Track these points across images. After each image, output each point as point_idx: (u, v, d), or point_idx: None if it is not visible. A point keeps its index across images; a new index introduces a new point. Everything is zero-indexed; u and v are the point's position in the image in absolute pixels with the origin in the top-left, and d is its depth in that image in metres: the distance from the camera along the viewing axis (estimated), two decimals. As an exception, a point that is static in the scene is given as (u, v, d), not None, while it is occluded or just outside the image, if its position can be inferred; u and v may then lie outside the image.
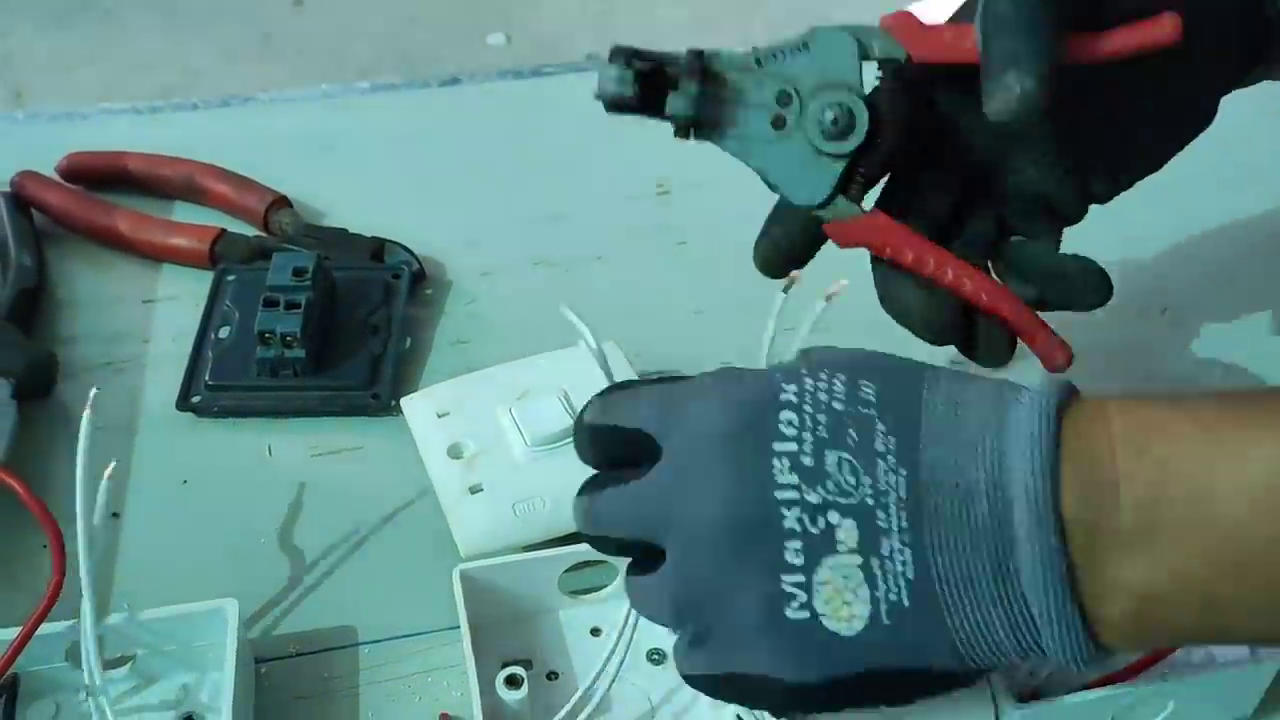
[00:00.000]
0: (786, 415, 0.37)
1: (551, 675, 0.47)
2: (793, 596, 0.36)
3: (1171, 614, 0.36)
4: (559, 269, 0.66)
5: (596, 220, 0.69)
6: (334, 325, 0.60)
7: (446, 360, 0.61)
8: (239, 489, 0.55)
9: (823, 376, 0.38)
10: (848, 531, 0.36)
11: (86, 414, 0.44)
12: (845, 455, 0.37)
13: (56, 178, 0.68)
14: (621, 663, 0.45)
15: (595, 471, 0.41)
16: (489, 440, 0.52)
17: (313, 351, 0.58)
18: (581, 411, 0.41)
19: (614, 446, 0.40)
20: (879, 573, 0.36)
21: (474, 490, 0.51)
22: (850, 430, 0.37)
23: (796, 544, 0.36)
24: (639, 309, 0.62)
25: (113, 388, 0.58)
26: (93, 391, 0.44)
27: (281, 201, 0.66)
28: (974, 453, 0.36)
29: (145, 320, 0.62)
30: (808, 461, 0.37)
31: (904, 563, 0.36)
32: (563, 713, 0.44)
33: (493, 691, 0.44)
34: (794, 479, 0.36)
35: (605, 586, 0.49)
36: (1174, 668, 0.44)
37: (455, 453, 0.52)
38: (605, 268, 0.66)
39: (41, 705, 0.46)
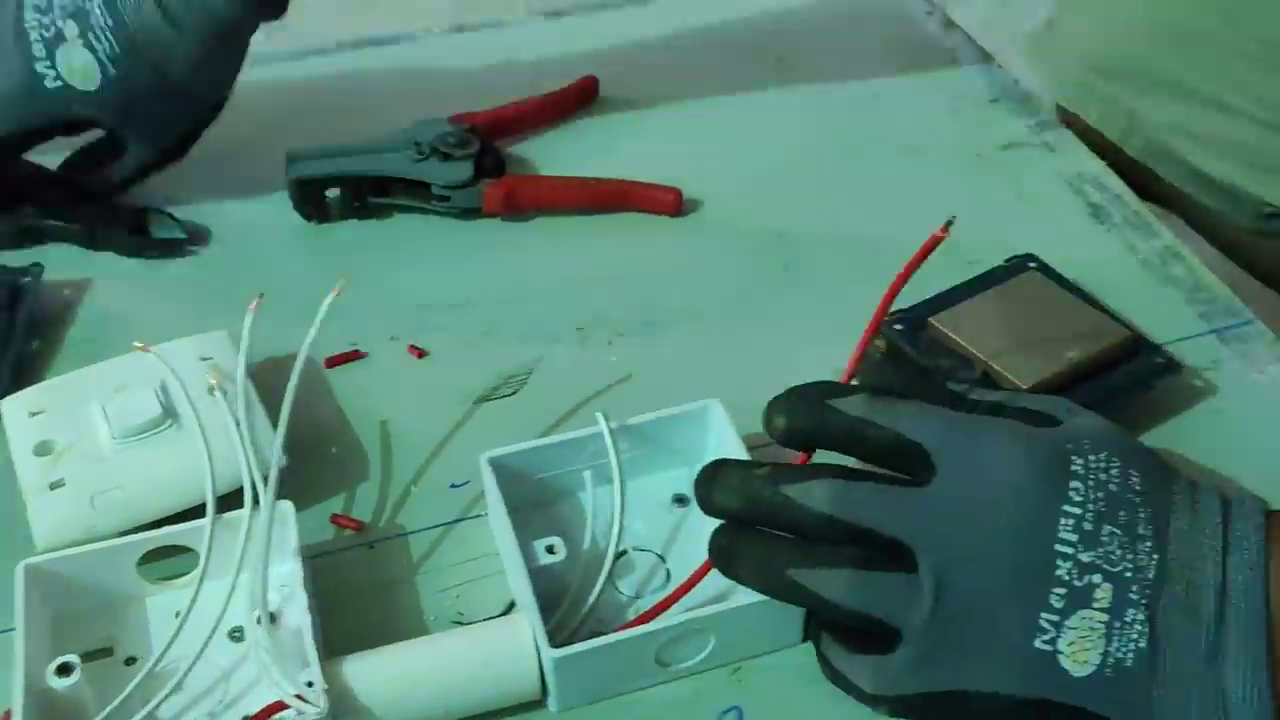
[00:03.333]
0: (1075, 484, 0.43)
1: (129, 660, 0.48)
2: (1045, 631, 0.42)
3: None
4: (199, 259, 0.67)
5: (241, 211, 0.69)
6: (-51, 331, 0.60)
7: (75, 362, 0.61)
8: None
9: (1100, 457, 0.44)
10: (1104, 592, 0.42)
11: None
12: (1116, 530, 0.43)
13: None
14: (206, 643, 0.46)
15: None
16: (78, 436, 0.53)
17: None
18: (838, 401, 0.45)
19: (886, 452, 0.45)
20: (1117, 634, 0.42)
21: (55, 486, 0.51)
22: (1121, 511, 0.43)
23: (1061, 590, 0.42)
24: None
25: None
26: None
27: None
28: (1206, 551, 0.43)
29: None
30: (1088, 527, 0.43)
31: (1140, 632, 0.42)
32: (123, 694, 0.45)
33: (41, 680, 0.45)
34: (1074, 537, 0.43)
35: (187, 573, 0.49)
36: (709, 605, 0.47)
37: (42, 450, 0.52)
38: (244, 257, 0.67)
39: None
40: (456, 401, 0.59)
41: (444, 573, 0.52)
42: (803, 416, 0.45)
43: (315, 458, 0.56)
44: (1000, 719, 0.43)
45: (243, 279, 0.62)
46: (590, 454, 0.52)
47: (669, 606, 0.47)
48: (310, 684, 0.44)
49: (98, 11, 0.60)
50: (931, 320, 0.58)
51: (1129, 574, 0.43)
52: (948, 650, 0.43)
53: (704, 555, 0.46)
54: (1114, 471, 0.44)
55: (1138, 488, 0.44)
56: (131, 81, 0.62)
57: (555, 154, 0.73)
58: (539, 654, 0.45)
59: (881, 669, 0.44)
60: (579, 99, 0.76)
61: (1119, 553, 0.43)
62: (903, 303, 0.54)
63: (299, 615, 0.46)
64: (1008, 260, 0.62)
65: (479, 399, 0.59)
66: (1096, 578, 0.42)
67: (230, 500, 0.50)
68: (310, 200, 0.68)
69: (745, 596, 0.47)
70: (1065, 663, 0.42)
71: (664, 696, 0.48)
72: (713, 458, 0.48)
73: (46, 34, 0.60)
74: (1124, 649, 0.42)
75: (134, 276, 0.66)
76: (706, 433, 0.53)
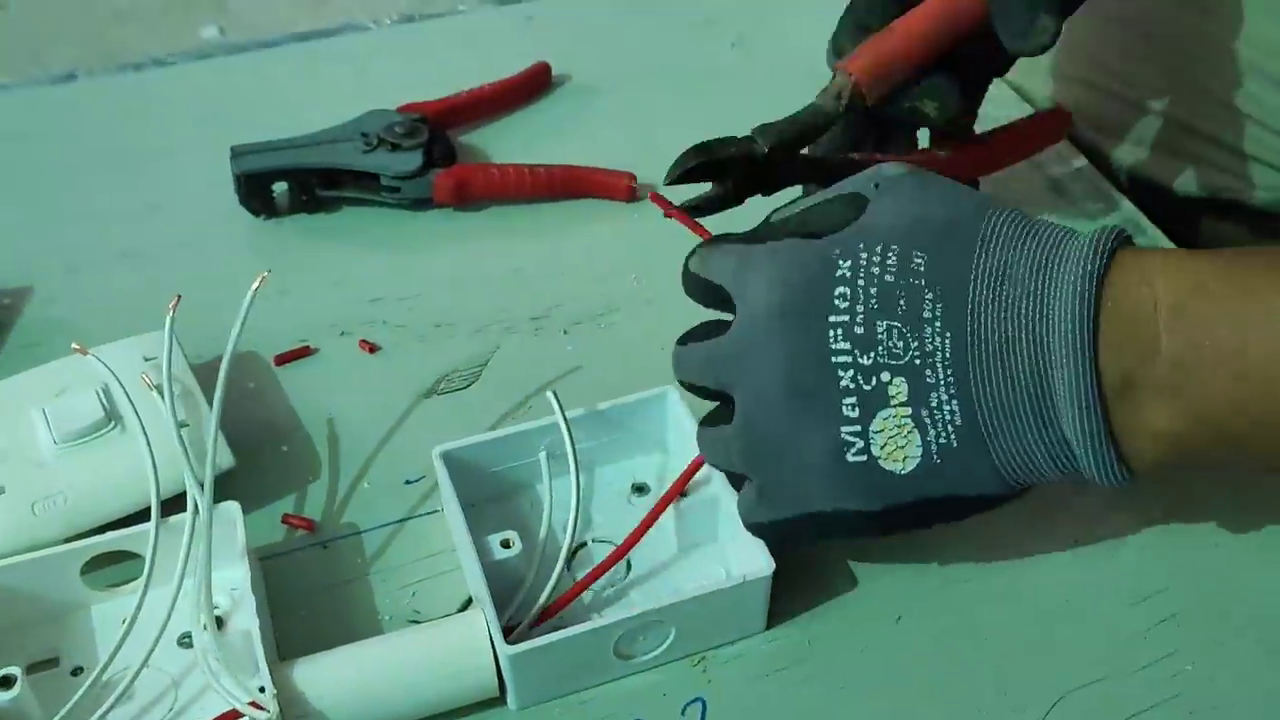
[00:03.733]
0: (840, 290, 0.43)
1: (76, 671, 0.47)
2: (852, 444, 0.43)
3: (1197, 452, 0.43)
4: (146, 259, 0.65)
5: (188, 209, 0.68)
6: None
7: (18, 366, 0.59)
8: None
9: (878, 250, 0.43)
10: (898, 387, 0.42)
11: None
12: (895, 323, 0.42)
13: None
14: (151, 651, 0.45)
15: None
16: (17, 441, 0.51)
17: None
18: (688, 257, 0.47)
19: (708, 294, 0.47)
20: (929, 421, 0.42)
21: (-5, 492, 0.50)
22: (901, 301, 0.42)
23: (852, 399, 0.42)
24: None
25: None
26: None
27: None
28: (1022, 313, 0.42)
29: None
30: (860, 330, 0.42)
31: (952, 411, 0.42)
32: (69, 704, 0.44)
33: (-19, 695, 0.43)
34: (847, 345, 0.42)
35: (135, 579, 0.48)
36: (669, 596, 0.46)
37: (-19, 456, 0.51)
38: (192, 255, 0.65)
39: None
40: (409, 396, 0.58)
41: (399, 571, 0.51)
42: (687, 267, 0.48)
43: (266, 457, 0.55)
44: (858, 531, 0.45)
45: (189, 278, 0.61)
46: (546, 445, 0.51)
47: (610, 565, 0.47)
48: (262, 689, 0.43)
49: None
50: None
51: (919, 361, 0.42)
52: (774, 480, 0.45)
53: (665, 546, 0.45)
54: (890, 261, 0.43)
55: (922, 269, 0.43)
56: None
57: (508, 142, 0.72)
58: (495, 651, 0.44)
59: (743, 504, 0.46)
60: (531, 86, 0.75)
61: (901, 344, 0.42)
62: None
63: (248, 619, 0.45)
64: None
65: (431, 393, 0.58)
66: (885, 375, 0.42)
67: (177, 504, 0.48)
68: (256, 195, 0.66)
69: (705, 587, 0.46)
70: (887, 465, 0.43)
71: (626, 690, 0.47)
72: (670, 444, 0.47)
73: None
74: (943, 433, 0.42)
75: (75, 280, 0.64)
76: (665, 419, 0.52)
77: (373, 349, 0.60)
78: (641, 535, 0.47)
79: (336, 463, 0.55)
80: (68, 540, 0.48)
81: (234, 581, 0.48)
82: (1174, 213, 0.70)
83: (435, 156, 0.67)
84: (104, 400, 0.52)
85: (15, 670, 0.44)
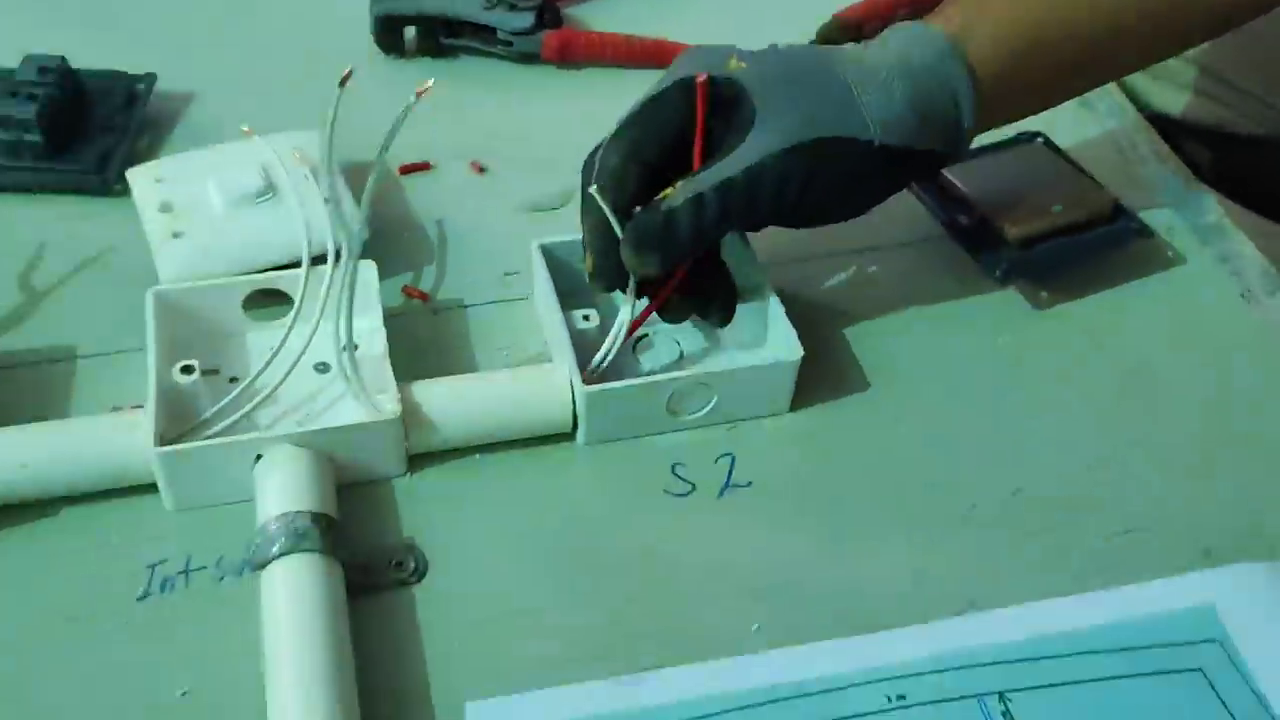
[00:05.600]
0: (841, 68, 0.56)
1: (233, 379, 0.58)
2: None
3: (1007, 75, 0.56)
4: (291, 80, 0.76)
5: (333, 41, 0.79)
6: (77, 119, 0.69)
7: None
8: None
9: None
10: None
11: None
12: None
13: None
14: (292, 368, 0.56)
15: None
16: (196, 199, 0.63)
17: (51, 139, 0.67)
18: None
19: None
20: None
21: (176, 235, 0.61)
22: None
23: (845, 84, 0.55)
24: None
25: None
26: None
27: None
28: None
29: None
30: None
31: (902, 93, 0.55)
32: (226, 399, 0.55)
33: (169, 377, 0.55)
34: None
35: (284, 317, 0.59)
36: (716, 366, 0.57)
37: (165, 209, 0.62)
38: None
39: None
40: (510, 209, 0.68)
41: (494, 337, 0.61)
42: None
43: (389, 241, 0.65)
44: (856, 164, 0.54)
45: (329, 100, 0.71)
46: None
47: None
48: (386, 396, 0.54)
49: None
50: (944, 173, 0.67)
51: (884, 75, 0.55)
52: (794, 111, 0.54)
53: (717, 345, 0.57)
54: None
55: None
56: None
57: (607, 19, 0.82)
58: (573, 391, 0.55)
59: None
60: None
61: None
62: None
63: (379, 346, 0.56)
64: (1017, 134, 0.70)
65: (529, 209, 0.68)
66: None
67: (321, 262, 0.59)
68: (390, 36, 0.77)
69: (744, 363, 0.56)
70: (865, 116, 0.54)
71: (672, 441, 0.57)
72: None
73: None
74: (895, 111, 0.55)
75: (235, 87, 0.75)
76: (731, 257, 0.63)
77: (481, 170, 0.71)
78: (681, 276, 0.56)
79: (445, 254, 0.66)
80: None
81: (367, 324, 0.59)
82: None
83: (545, 19, 0.77)
84: (265, 175, 0.63)
85: (194, 363, 0.55)
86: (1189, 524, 0.55)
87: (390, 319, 0.60)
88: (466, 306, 0.63)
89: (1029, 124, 0.68)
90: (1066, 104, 0.62)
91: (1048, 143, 0.70)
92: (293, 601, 0.48)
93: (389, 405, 0.54)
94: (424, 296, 0.63)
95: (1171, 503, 0.56)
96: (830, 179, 0.54)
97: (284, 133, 0.66)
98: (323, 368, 0.58)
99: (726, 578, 0.52)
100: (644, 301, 0.57)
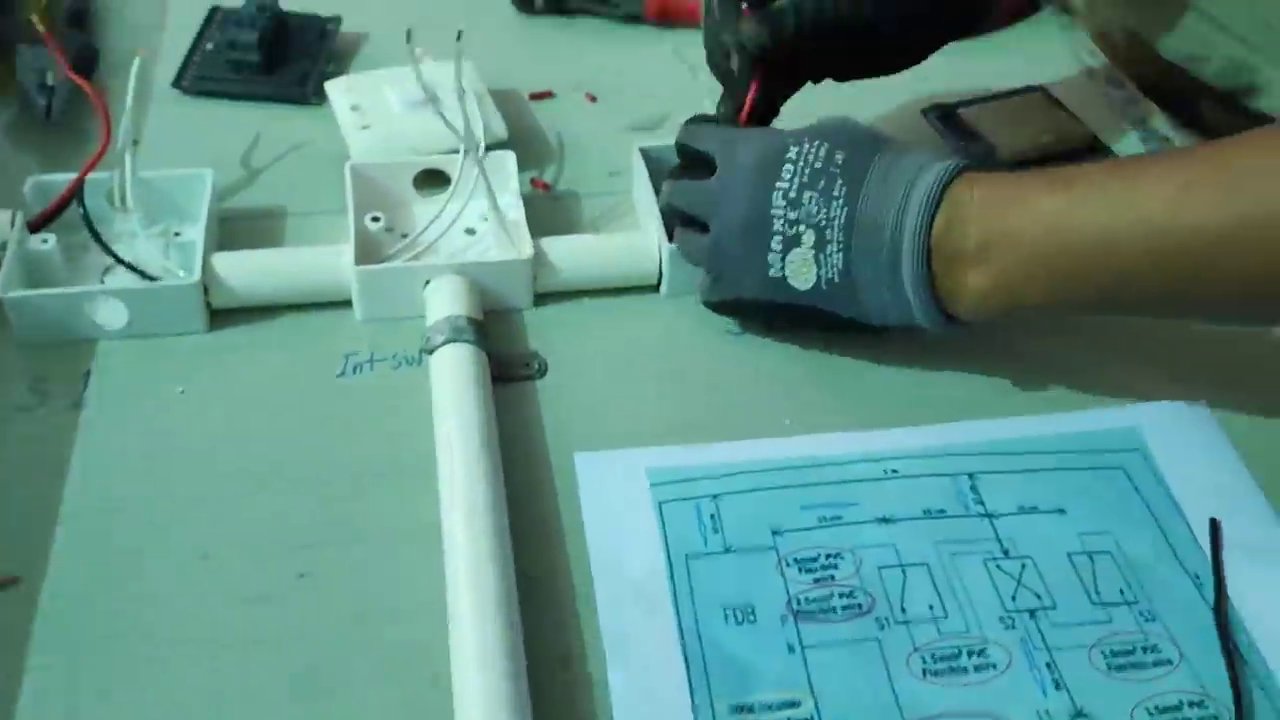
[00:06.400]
0: (787, 167, 0.63)
1: (404, 235, 0.77)
2: (773, 265, 0.64)
3: (997, 305, 0.61)
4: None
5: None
6: (284, 47, 0.89)
7: (358, 78, 0.89)
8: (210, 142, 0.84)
9: (814, 144, 0.63)
10: (809, 237, 0.63)
11: (137, 60, 0.71)
12: (815, 194, 0.62)
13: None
14: (450, 226, 0.75)
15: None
16: (378, 103, 0.82)
17: (264, 60, 0.87)
18: (679, 132, 0.70)
19: (689, 158, 0.69)
20: (823, 261, 0.63)
21: (363, 128, 0.80)
22: (822, 180, 0.62)
23: (779, 238, 0.63)
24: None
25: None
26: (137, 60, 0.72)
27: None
28: (890, 203, 0.60)
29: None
30: (793, 195, 0.63)
31: (839, 258, 0.62)
32: (399, 246, 0.74)
33: (362, 223, 0.74)
34: (783, 204, 0.63)
35: (449, 186, 0.77)
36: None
37: (355, 109, 0.82)
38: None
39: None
40: (618, 128, 0.87)
41: (603, 222, 0.80)
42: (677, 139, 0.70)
43: (522, 146, 0.83)
44: (771, 315, 0.68)
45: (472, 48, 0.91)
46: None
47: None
48: (521, 244, 0.73)
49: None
50: (960, 112, 0.85)
51: (824, 224, 0.62)
52: (725, 275, 0.67)
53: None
54: (822, 153, 0.62)
55: (840, 163, 0.62)
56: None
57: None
58: (660, 252, 0.73)
59: (701, 288, 0.69)
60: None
61: (816, 210, 0.62)
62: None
63: (518, 213, 0.75)
64: (1023, 86, 0.88)
65: (634, 128, 0.87)
66: (801, 228, 0.62)
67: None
68: (524, -1, 0.96)
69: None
70: (793, 282, 0.64)
71: (733, 297, 0.75)
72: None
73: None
74: (830, 271, 0.63)
75: (402, 27, 0.94)
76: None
77: (593, 99, 0.89)
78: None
79: (564, 157, 0.84)
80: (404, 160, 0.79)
81: (505, 201, 0.77)
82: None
83: (647, -17, 0.96)
84: (429, 89, 0.82)
85: (380, 214, 0.74)
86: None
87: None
88: (580, 196, 0.81)
89: (1030, 77, 0.86)
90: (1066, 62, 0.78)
91: (1044, 92, 0.88)
92: (454, 379, 0.66)
93: (525, 250, 0.72)
94: (546, 187, 0.82)
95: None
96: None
97: (440, 61, 0.85)
98: (470, 232, 0.77)
99: (767, 387, 0.70)
100: None
